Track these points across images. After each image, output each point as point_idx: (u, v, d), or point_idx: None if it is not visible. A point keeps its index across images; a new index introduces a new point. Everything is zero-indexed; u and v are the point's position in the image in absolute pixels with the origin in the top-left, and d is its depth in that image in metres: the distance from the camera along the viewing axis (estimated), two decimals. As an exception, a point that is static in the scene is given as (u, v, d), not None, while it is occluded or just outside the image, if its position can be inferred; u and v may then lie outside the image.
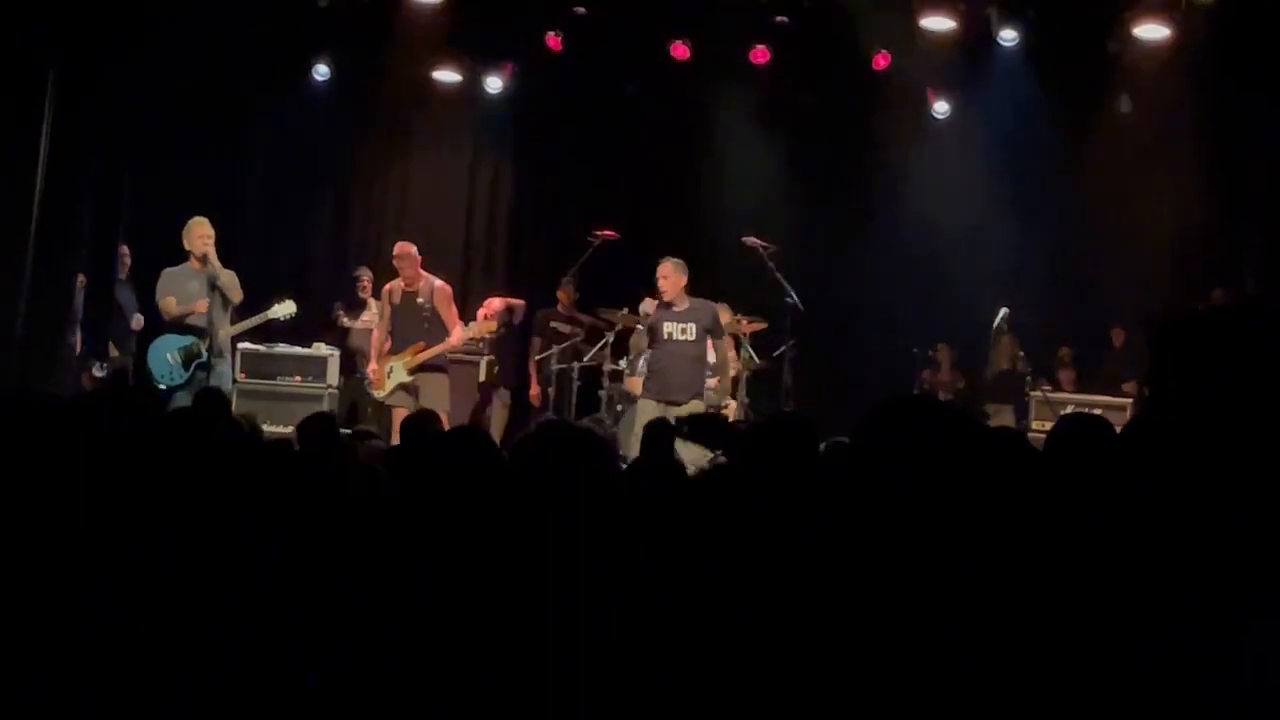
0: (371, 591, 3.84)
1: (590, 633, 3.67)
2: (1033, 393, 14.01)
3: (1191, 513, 2.90)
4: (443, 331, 12.87)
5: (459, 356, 13.70)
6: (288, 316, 12.50)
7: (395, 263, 12.91)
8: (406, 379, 12.57)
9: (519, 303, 15.02)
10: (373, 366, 12.89)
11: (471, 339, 13.64)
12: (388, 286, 12.93)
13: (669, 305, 12.25)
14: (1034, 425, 13.40)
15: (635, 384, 13.84)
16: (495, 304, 14.69)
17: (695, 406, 11.81)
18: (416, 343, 12.78)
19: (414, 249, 12.90)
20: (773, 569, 3.61)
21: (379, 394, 12.73)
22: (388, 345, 12.81)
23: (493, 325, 14.11)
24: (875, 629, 3.18)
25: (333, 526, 4.16)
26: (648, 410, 11.80)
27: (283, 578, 3.96)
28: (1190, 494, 2.93)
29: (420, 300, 12.85)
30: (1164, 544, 2.91)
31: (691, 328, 12.21)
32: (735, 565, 3.80)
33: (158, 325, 12.49)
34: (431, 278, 13.03)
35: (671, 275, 12.24)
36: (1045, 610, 3.04)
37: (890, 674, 3.12)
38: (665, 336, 12.22)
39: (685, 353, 12.25)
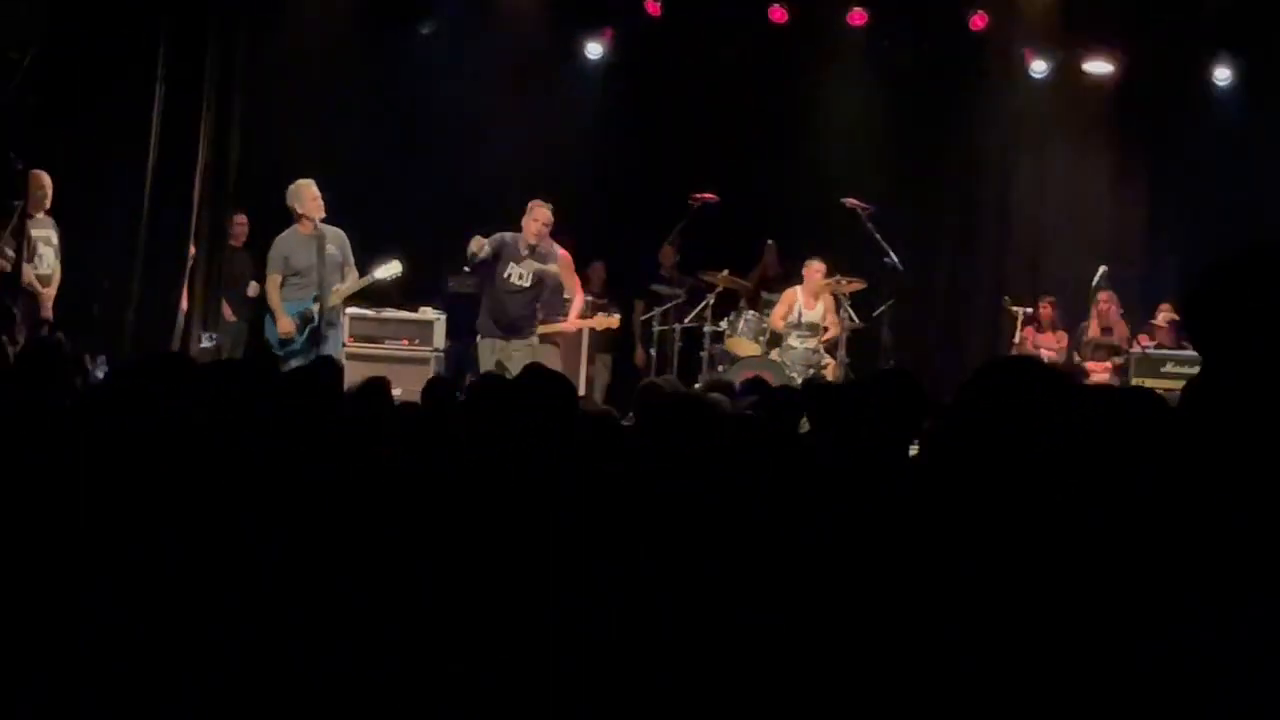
0: (377, 588, 3.80)
1: (593, 631, 3.62)
2: (1132, 349, 13.84)
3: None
4: (560, 299, 12.87)
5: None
6: (394, 277, 12.44)
7: (527, 220, 12.63)
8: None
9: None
10: None
11: (590, 326, 13.77)
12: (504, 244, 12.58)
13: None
14: (1133, 381, 13.28)
15: (738, 344, 13.96)
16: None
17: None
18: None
19: (549, 211, 12.64)
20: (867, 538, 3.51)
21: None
22: None
23: (614, 322, 14.12)
24: (995, 589, 3.09)
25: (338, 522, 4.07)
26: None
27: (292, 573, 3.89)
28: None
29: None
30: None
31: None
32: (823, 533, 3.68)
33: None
34: (554, 243, 12.87)
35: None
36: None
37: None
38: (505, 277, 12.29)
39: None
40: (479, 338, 12.50)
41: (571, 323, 13.20)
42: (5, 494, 4.02)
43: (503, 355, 12.03)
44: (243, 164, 14.36)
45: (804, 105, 16.00)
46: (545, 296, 12.53)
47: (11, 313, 11.13)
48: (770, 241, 15.07)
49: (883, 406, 4.70)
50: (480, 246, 12.15)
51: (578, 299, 13.11)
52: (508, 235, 12.31)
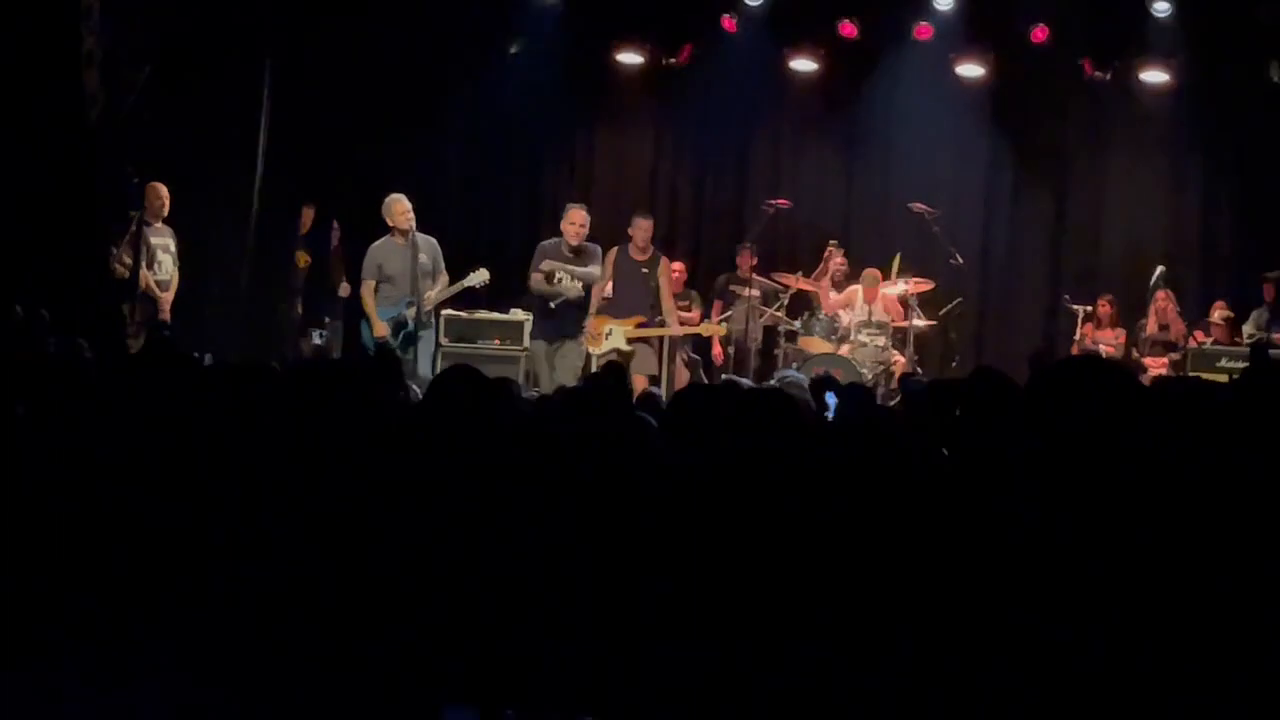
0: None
1: None
2: (1188, 345, 13.67)
3: None
4: (645, 301, 12.73)
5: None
6: (482, 284, 12.36)
7: (632, 231, 12.66)
8: (624, 346, 12.36)
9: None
10: (590, 320, 12.61)
11: (698, 334, 13.81)
12: (613, 251, 12.62)
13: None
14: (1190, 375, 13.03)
15: (811, 343, 13.88)
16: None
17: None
18: (639, 315, 12.66)
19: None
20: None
21: (592, 349, 12.39)
22: (605, 304, 12.65)
23: (723, 330, 14.08)
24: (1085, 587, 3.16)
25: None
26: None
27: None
28: None
29: (645, 272, 12.67)
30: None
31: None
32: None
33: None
34: (658, 251, 12.93)
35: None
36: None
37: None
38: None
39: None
40: (530, 340, 12.51)
41: (673, 328, 13.07)
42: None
43: (553, 357, 11.97)
44: (342, 175, 14.48)
45: (872, 115, 15.80)
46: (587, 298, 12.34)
47: (123, 314, 11.52)
48: (833, 243, 14.86)
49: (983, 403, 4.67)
50: (540, 280, 12.13)
51: (669, 304, 12.96)
52: (546, 243, 12.32)
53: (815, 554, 3.67)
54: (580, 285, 12.10)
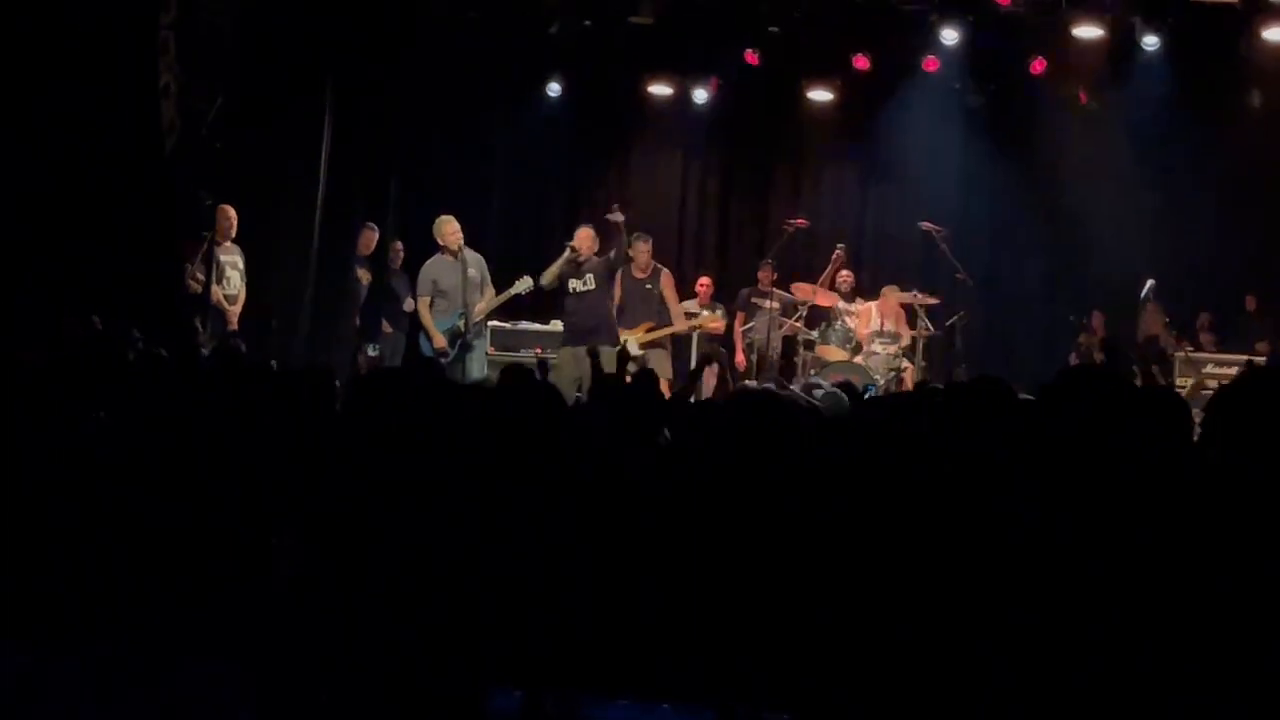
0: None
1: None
2: (1176, 354, 13.76)
3: None
4: (667, 312, 13.01)
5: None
6: (527, 290, 12.52)
7: (632, 251, 12.85)
8: (638, 352, 12.47)
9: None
10: None
11: (695, 327, 13.82)
12: (617, 274, 12.73)
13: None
14: (1178, 383, 13.17)
15: (827, 351, 14.05)
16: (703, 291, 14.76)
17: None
18: (647, 322, 12.91)
19: (649, 240, 13.05)
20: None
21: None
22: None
23: (721, 324, 14.26)
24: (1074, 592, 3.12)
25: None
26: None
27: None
28: None
29: (649, 286, 12.97)
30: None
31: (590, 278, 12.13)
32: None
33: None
34: (659, 265, 13.24)
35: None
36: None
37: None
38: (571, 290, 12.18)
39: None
40: (561, 346, 12.38)
41: (678, 326, 13.25)
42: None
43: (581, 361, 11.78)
44: (401, 197, 14.66)
45: (884, 140, 15.98)
46: (608, 302, 12.39)
47: (194, 326, 11.50)
48: (841, 245, 14.98)
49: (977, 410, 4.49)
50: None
51: (675, 308, 13.23)
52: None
53: (815, 554, 3.65)
54: (591, 281, 12.14)
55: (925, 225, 14.43)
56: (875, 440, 4.49)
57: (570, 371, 11.59)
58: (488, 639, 3.62)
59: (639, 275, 12.93)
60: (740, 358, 14.83)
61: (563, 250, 12.18)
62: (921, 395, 6.79)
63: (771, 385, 10.56)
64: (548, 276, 12.17)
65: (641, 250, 12.93)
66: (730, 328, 14.90)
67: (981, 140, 15.72)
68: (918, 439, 4.28)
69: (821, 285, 14.64)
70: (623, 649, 3.61)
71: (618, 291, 12.75)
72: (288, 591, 3.73)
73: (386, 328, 14.04)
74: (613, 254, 12.23)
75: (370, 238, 14.03)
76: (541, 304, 13.68)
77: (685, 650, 3.51)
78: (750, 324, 14.85)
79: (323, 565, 3.72)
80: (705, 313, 14.24)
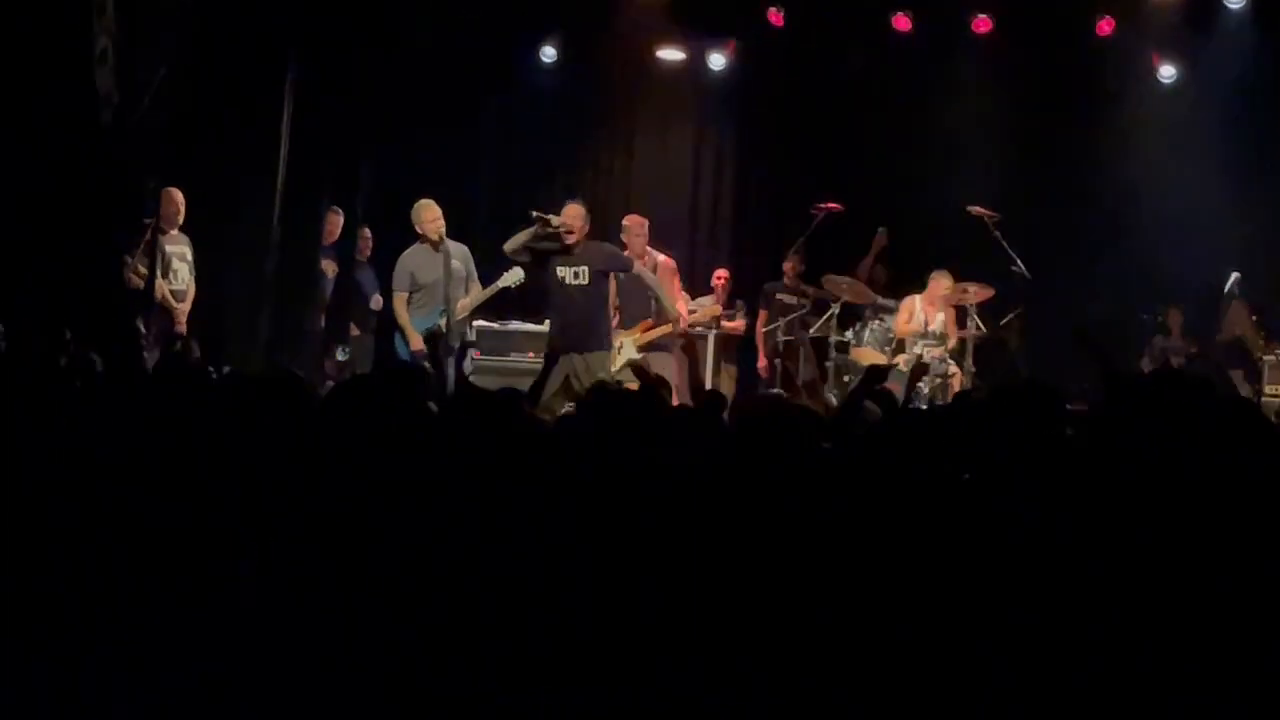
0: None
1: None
2: (1266, 356, 13.72)
3: None
4: (649, 303, 12.83)
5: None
6: (517, 284, 12.29)
7: (624, 236, 12.86)
8: (636, 356, 12.44)
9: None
10: None
11: (697, 322, 13.70)
12: None
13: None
14: (1267, 390, 13.10)
15: (863, 354, 13.96)
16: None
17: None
18: (644, 320, 12.79)
19: (644, 223, 12.89)
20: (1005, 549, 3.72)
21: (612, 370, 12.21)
22: (616, 320, 12.59)
23: (718, 310, 14.19)
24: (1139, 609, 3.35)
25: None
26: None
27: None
28: None
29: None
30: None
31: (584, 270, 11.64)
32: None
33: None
34: (655, 253, 13.10)
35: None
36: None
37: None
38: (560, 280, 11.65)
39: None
40: (547, 350, 11.97)
41: (682, 320, 13.07)
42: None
43: (577, 369, 11.41)
44: (372, 178, 14.62)
45: (928, 112, 15.87)
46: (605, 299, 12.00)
47: (136, 327, 11.55)
48: (882, 229, 15.05)
49: (1020, 421, 4.69)
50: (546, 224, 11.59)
51: (680, 305, 13.08)
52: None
53: (814, 554, 3.84)
54: (585, 275, 11.66)
55: (975, 209, 14.30)
56: (883, 444, 4.72)
57: (556, 382, 11.38)
58: (488, 639, 3.82)
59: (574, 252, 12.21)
60: (763, 362, 14.80)
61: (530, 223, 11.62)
62: (962, 406, 6.97)
63: (781, 393, 10.49)
64: (513, 243, 11.63)
65: (636, 234, 12.74)
66: (751, 328, 14.89)
67: (1040, 112, 15.71)
68: (937, 447, 4.53)
69: (859, 276, 14.62)
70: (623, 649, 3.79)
71: (612, 285, 12.46)
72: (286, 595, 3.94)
73: (353, 329, 14.08)
74: (625, 252, 12.16)
75: (335, 223, 14.06)
76: (535, 301, 13.36)
77: (685, 650, 3.70)
78: (774, 324, 14.77)
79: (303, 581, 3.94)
80: (706, 301, 14.14)
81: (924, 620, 3.56)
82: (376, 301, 13.92)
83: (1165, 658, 3.34)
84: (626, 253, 12.47)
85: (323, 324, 13.80)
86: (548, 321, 12.12)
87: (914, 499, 4.05)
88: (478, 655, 3.71)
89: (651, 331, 12.79)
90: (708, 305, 14.00)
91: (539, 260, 11.64)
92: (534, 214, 11.59)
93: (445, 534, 4.03)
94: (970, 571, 3.66)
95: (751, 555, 3.85)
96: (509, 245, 11.66)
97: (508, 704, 3.63)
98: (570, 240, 11.49)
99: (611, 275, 12.03)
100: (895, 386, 10.92)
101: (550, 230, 11.47)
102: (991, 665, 3.46)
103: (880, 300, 14.51)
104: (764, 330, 14.82)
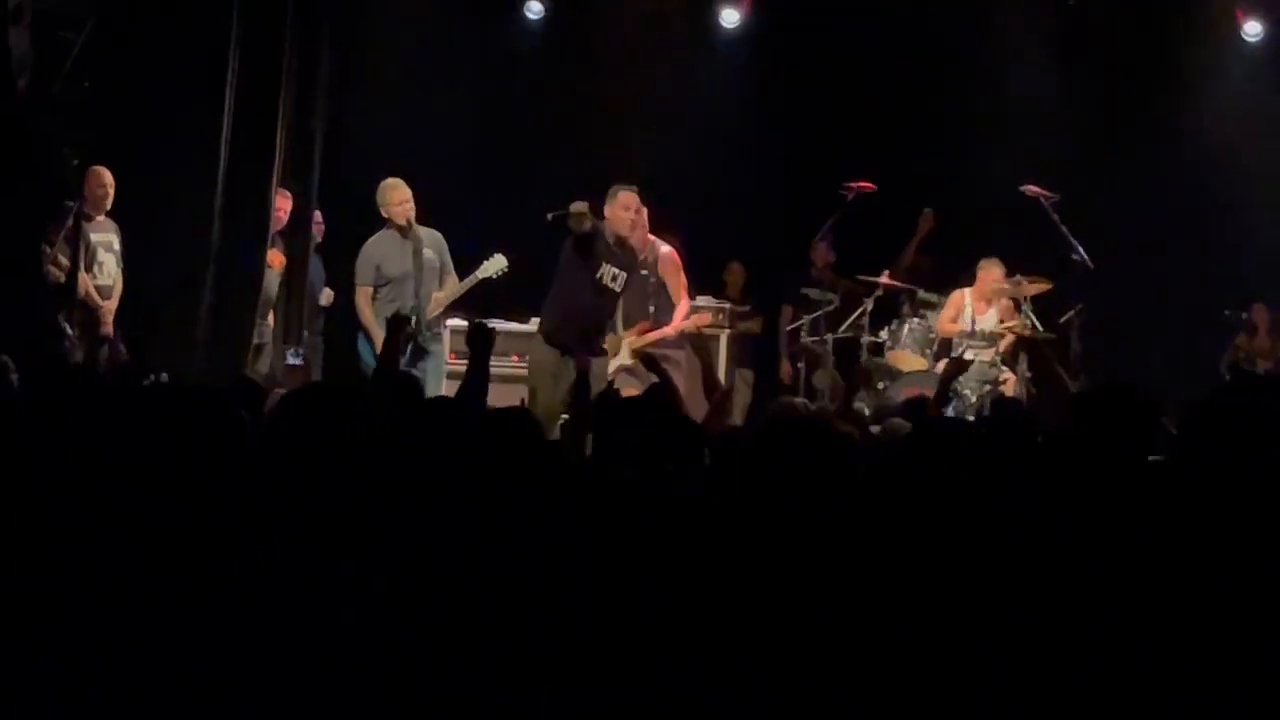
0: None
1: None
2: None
3: None
4: (669, 304, 12.91)
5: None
6: (500, 274, 12.35)
7: (617, 222, 12.43)
8: (629, 362, 12.36)
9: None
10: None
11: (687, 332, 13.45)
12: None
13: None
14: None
15: (901, 357, 13.95)
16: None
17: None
18: (642, 321, 12.84)
19: (642, 208, 12.54)
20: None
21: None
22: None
23: (705, 319, 13.88)
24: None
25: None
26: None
27: None
28: None
29: (644, 272, 12.78)
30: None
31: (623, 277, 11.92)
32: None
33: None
34: (657, 242, 13.02)
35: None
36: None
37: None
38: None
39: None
40: (544, 346, 11.95)
41: (675, 324, 12.99)
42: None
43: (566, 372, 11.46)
44: (327, 157, 14.66)
45: (976, 78, 15.90)
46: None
47: (59, 326, 11.70)
48: (928, 210, 15.00)
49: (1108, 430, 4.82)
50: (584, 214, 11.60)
51: (683, 304, 13.12)
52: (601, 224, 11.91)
53: (814, 554, 4.10)
54: (621, 281, 11.89)
55: (1030, 189, 14.24)
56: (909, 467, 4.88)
57: (554, 388, 11.49)
58: (488, 639, 4.08)
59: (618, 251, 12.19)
60: (786, 367, 14.81)
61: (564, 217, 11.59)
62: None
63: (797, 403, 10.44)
64: (577, 210, 11.51)
65: (628, 205, 12.23)
66: (775, 327, 14.91)
67: (1106, 77, 15.71)
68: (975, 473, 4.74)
69: (899, 266, 14.64)
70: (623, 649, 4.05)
71: None
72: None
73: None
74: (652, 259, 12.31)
75: (283, 207, 14.10)
76: (520, 295, 13.45)
77: (685, 650, 3.97)
78: (798, 323, 14.71)
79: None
80: (703, 302, 14.06)
81: (924, 620, 3.86)
82: (327, 296, 14.11)
83: (1165, 658, 3.61)
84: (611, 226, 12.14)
85: (271, 324, 13.83)
86: (555, 313, 12.02)
87: (915, 500, 4.49)
88: (478, 655, 3.99)
89: (650, 334, 12.83)
90: (694, 318, 13.62)
91: (585, 247, 11.60)
92: (550, 216, 11.63)
93: (446, 534, 4.35)
94: (970, 571, 4.00)
95: (751, 555, 4.11)
96: (574, 216, 11.54)
97: (508, 704, 3.91)
98: (623, 231, 11.80)
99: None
100: (930, 391, 10.52)
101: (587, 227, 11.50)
102: (991, 665, 3.76)
103: (924, 294, 14.51)
104: (788, 329, 14.86)
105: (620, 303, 12.44)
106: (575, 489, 4.91)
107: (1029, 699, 3.72)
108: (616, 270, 11.74)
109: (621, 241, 11.88)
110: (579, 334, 11.68)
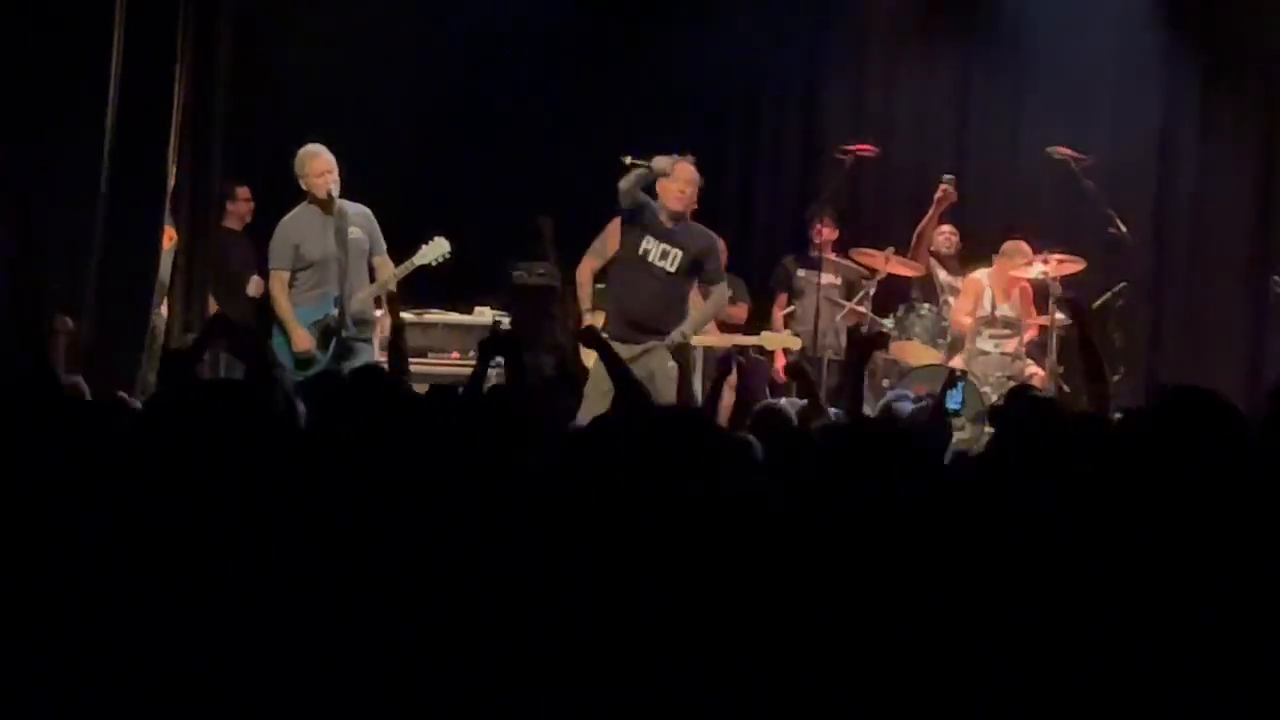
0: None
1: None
2: None
3: None
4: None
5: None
6: (441, 259, 12.10)
7: (667, 184, 12.18)
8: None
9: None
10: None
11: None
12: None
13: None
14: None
15: (908, 349, 13.64)
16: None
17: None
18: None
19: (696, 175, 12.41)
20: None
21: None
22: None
23: (742, 310, 13.81)
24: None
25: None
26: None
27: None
28: None
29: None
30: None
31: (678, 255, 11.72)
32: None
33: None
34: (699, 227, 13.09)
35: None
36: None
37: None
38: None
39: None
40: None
41: (714, 336, 12.71)
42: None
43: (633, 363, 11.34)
44: (237, 122, 13.87)
45: (999, 22, 15.14)
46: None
47: None
48: (948, 178, 14.27)
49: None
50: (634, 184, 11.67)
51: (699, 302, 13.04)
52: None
53: (814, 553, 4.23)
54: (675, 261, 11.66)
55: (1059, 151, 13.88)
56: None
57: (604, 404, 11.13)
58: (488, 639, 4.29)
59: (671, 226, 11.95)
60: (781, 362, 14.19)
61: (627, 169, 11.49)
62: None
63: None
64: (628, 183, 11.33)
65: (687, 178, 11.78)
66: (764, 316, 14.44)
67: (1153, 23, 14.95)
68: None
69: (919, 242, 14.17)
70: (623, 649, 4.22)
71: (610, 246, 12.49)
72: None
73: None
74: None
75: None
76: (468, 283, 13.32)
77: (685, 650, 4.13)
78: (791, 307, 14.47)
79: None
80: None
81: (924, 620, 4.03)
82: (255, 286, 13.59)
83: (1165, 658, 3.88)
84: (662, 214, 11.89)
85: (167, 314, 13.27)
86: (608, 302, 12.10)
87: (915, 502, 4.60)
88: (478, 655, 4.17)
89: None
90: (770, 336, 13.43)
91: (629, 218, 11.65)
92: (628, 160, 11.47)
93: (445, 534, 4.57)
94: (970, 571, 4.19)
95: (750, 554, 4.26)
96: (624, 184, 11.44)
97: (508, 704, 4.08)
98: (677, 208, 11.49)
99: (606, 242, 12.61)
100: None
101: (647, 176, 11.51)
102: (991, 665, 3.95)
103: (945, 277, 14.17)
104: (781, 315, 14.41)
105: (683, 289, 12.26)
106: (574, 489, 4.90)
107: (1029, 699, 3.92)
108: (668, 248, 11.53)
109: (678, 216, 11.58)
110: (628, 324, 11.54)
